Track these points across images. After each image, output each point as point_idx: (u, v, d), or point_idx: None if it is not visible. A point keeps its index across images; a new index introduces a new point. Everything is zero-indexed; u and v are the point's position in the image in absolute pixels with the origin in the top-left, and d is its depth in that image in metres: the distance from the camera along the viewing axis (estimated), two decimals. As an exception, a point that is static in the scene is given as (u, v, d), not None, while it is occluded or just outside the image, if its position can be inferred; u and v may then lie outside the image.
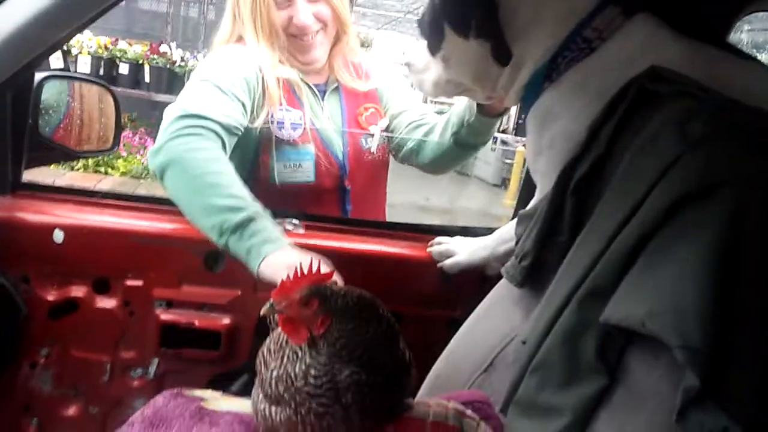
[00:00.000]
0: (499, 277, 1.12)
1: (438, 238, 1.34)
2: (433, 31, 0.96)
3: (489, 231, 1.34)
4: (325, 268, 0.85)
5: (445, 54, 0.96)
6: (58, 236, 1.22)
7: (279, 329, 0.79)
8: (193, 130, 1.14)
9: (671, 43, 0.83)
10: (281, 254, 1.05)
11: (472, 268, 1.27)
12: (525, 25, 0.88)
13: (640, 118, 0.79)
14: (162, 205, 1.30)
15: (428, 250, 1.32)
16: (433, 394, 1.00)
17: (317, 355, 0.69)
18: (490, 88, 0.97)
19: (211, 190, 1.09)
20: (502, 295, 1.10)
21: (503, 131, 9.96)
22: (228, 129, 1.20)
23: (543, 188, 0.98)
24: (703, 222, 0.61)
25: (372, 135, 1.40)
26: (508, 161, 9.03)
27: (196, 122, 1.15)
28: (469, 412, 0.77)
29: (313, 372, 0.68)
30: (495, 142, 9.62)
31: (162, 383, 1.30)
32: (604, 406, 0.70)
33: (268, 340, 0.80)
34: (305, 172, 1.32)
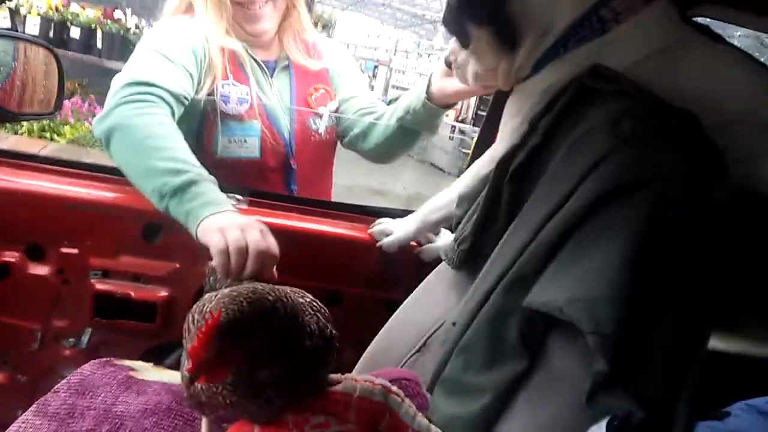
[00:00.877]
0: (437, 261, 1.15)
1: (379, 219, 1.35)
2: (458, 27, 0.96)
3: None
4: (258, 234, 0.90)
5: (473, 47, 0.95)
6: None
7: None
8: (140, 96, 1.13)
9: (674, 30, 0.83)
10: (220, 217, 1.01)
11: (408, 240, 1.29)
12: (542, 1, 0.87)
13: (578, 113, 0.82)
14: (103, 173, 1.28)
15: (369, 231, 1.33)
16: (367, 371, 1.02)
17: None
18: (511, 71, 0.97)
19: (154, 153, 1.07)
20: (438, 279, 1.12)
21: (461, 121, 10.07)
22: (176, 97, 1.19)
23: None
24: (624, 217, 0.65)
25: (320, 116, 1.40)
26: (464, 151, 9.14)
27: (144, 89, 1.14)
28: (394, 388, 0.78)
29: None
30: (453, 131, 9.73)
31: (95, 354, 1.27)
32: (523, 387, 0.74)
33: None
34: (250, 148, 1.31)
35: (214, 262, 0.95)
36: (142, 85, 1.14)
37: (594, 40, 0.83)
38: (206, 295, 0.80)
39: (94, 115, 5.11)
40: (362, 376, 0.81)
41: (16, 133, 5.01)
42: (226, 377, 0.66)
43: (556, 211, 0.72)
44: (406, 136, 1.40)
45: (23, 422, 0.88)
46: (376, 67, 13.50)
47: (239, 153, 1.31)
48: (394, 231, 1.31)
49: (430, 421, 0.81)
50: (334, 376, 0.81)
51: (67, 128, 5.21)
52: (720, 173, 0.68)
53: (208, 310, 0.63)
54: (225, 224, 0.97)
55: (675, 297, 0.62)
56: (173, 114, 1.18)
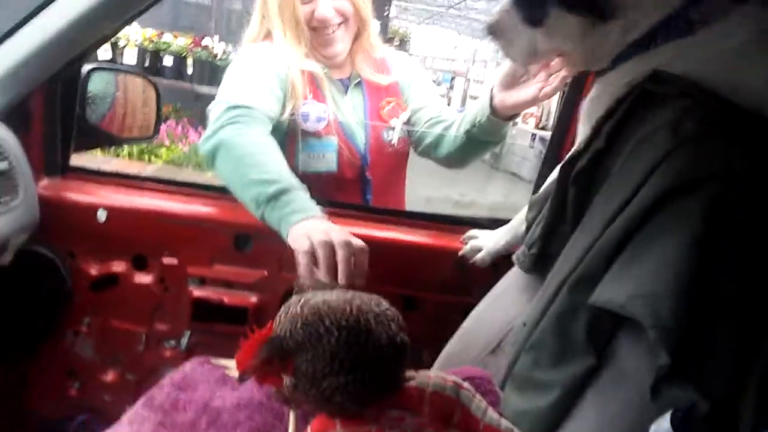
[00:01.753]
0: (511, 265, 1.18)
1: (469, 232, 1.38)
2: (536, 6, 0.92)
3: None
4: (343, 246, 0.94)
5: (550, 28, 0.91)
6: (102, 216, 1.32)
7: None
8: (240, 118, 1.25)
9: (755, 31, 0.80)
10: (308, 222, 1.08)
11: (501, 254, 1.31)
12: None
13: (640, 117, 0.83)
14: (198, 190, 1.40)
15: (461, 253, 1.36)
16: (443, 369, 1.07)
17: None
18: (590, 55, 0.93)
19: (252, 167, 1.17)
20: (511, 283, 1.15)
21: (542, 128, 9.87)
22: (269, 117, 1.30)
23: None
24: (686, 214, 0.66)
25: (393, 128, 1.46)
26: (546, 157, 8.92)
27: (242, 112, 1.26)
28: (466, 384, 0.82)
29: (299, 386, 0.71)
30: (534, 139, 9.56)
31: (192, 355, 1.38)
32: (591, 384, 0.76)
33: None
34: (328, 162, 1.39)
35: (299, 264, 1.02)
36: (240, 108, 1.26)
37: (681, 39, 0.82)
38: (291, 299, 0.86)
39: (186, 137, 5.43)
40: (435, 372, 0.85)
41: (117, 156, 5.40)
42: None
43: (618, 212, 0.74)
44: (476, 145, 1.44)
45: (134, 414, 0.97)
46: (453, 78, 13.47)
47: (318, 167, 1.39)
48: (484, 246, 1.33)
49: (501, 416, 0.84)
50: (408, 373, 0.86)
51: (163, 150, 5.56)
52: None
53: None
54: (312, 229, 1.05)
55: (737, 293, 0.62)
56: (268, 132, 1.29)
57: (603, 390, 0.74)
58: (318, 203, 1.37)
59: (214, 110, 1.28)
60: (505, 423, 0.79)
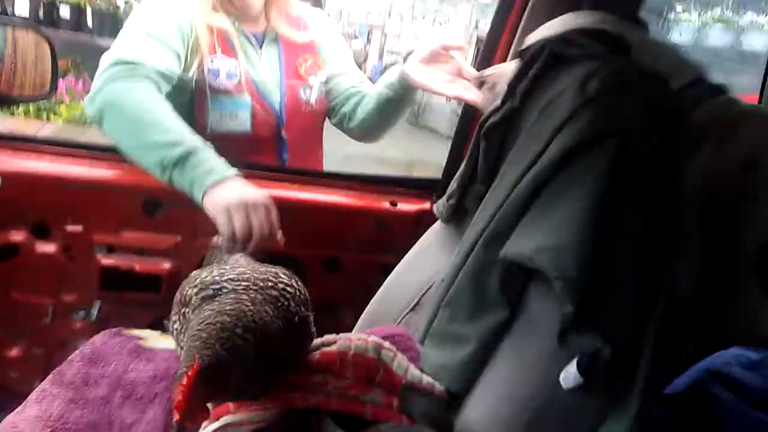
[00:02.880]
0: (429, 225, 1.20)
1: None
2: None
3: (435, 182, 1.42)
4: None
5: None
6: None
7: (195, 272, 0.83)
8: (127, 74, 1.16)
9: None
10: (224, 188, 1.05)
11: None
12: None
13: (550, 78, 0.86)
14: (100, 152, 1.32)
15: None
16: (365, 330, 1.08)
17: None
18: None
19: (148, 128, 1.10)
20: (430, 241, 1.17)
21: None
22: (162, 75, 1.22)
23: None
24: (590, 169, 0.69)
25: (311, 86, 1.43)
26: (462, 114, 9.06)
27: (130, 68, 1.17)
28: (386, 344, 0.84)
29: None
30: (450, 95, 9.63)
31: (105, 325, 1.32)
32: (505, 335, 0.80)
33: (183, 283, 0.82)
34: (241, 122, 1.34)
35: (222, 244, 1.01)
36: (128, 64, 1.17)
37: None
38: (195, 271, 0.83)
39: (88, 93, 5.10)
40: (356, 335, 0.86)
41: (12, 114, 5.01)
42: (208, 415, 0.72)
43: (529, 169, 0.76)
44: (388, 109, 1.42)
45: (42, 391, 0.93)
46: (369, 32, 13.31)
47: (231, 127, 1.34)
48: None
49: (422, 371, 0.87)
50: (329, 337, 0.86)
51: (63, 107, 5.22)
52: (682, 126, 0.72)
53: (183, 366, 0.63)
54: (231, 202, 1.02)
55: (637, 243, 0.66)
56: (160, 90, 1.21)
57: (517, 340, 0.78)
58: (232, 165, 1.33)
59: (100, 64, 1.19)
60: (426, 378, 0.82)
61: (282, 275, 0.78)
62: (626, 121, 0.70)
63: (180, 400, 0.60)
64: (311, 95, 1.43)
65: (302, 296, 0.78)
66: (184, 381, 0.61)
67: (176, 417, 0.62)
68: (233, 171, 1.09)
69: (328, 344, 0.84)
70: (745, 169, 0.72)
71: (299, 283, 0.80)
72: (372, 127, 1.50)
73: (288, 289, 0.76)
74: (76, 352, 0.97)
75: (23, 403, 0.90)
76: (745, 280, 0.71)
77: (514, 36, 1.20)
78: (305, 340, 0.80)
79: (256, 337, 0.66)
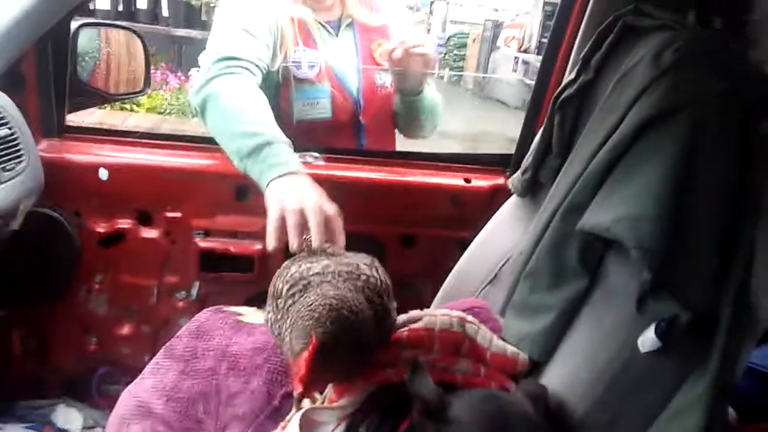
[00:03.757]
0: (503, 200, 1.23)
1: None
2: None
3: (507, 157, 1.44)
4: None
5: None
6: (103, 174, 1.34)
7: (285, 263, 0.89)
8: (228, 70, 1.25)
9: None
10: (286, 183, 1.08)
11: None
12: None
13: (625, 50, 0.87)
14: (195, 143, 1.42)
15: None
16: (444, 303, 1.13)
17: None
18: None
19: (235, 118, 1.17)
20: (505, 216, 1.20)
21: (525, 51, 9.73)
22: (257, 67, 1.30)
23: None
24: (664, 141, 0.71)
25: (386, 70, 1.47)
26: (529, 82, 8.85)
27: (231, 63, 1.25)
28: (470, 318, 0.88)
29: None
30: (516, 63, 9.42)
31: (205, 304, 1.43)
32: (585, 303, 0.83)
33: (275, 277, 0.88)
34: (322, 109, 1.40)
35: (269, 229, 1.06)
36: (229, 60, 1.25)
37: None
38: (285, 263, 0.90)
39: (166, 83, 5.26)
40: (439, 310, 0.91)
41: (99, 108, 5.28)
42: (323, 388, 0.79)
43: (605, 141, 0.78)
44: (406, 105, 1.49)
45: (155, 364, 1.02)
46: (432, 2, 13.11)
47: (313, 114, 1.41)
48: None
49: (504, 341, 0.91)
50: (414, 314, 0.90)
51: (144, 98, 5.45)
52: (762, 96, 0.72)
53: (296, 343, 0.71)
54: (287, 197, 1.06)
55: (713, 210, 0.68)
56: (256, 83, 1.29)
57: (596, 308, 0.81)
58: (315, 150, 1.40)
59: (203, 62, 1.29)
60: (510, 348, 0.86)
61: (363, 266, 0.83)
62: (701, 92, 0.71)
63: (303, 373, 0.67)
64: (386, 79, 1.47)
65: (384, 286, 0.82)
66: (305, 356, 0.67)
67: (298, 389, 0.70)
68: (301, 169, 1.13)
69: (414, 321, 0.88)
70: None
71: (381, 271, 0.84)
72: (405, 125, 1.56)
73: (371, 279, 0.81)
74: (183, 328, 1.05)
75: (140, 376, 1.00)
76: None
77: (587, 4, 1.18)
78: (389, 329, 0.85)
79: (358, 318, 0.72)
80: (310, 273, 0.80)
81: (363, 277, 0.80)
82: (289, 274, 0.82)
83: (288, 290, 0.80)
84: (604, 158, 0.77)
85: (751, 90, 0.71)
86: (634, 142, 0.74)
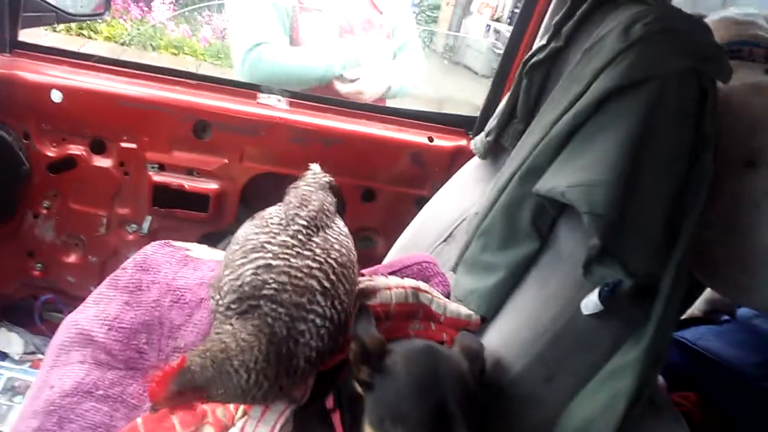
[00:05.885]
0: (464, 162, 1.24)
1: None
2: None
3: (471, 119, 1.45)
4: None
5: None
6: (56, 96, 1.29)
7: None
8: (263, 55, 1.47)
9: None
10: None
11: None
12: None
13: (596, 21, 0.88)
14: (155, 73, 1.37)
15: None
16: (396, 258, 1.14)
17: None
18: None
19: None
20: (465, 177, 1.22)
21: (497, 20, 9.66)
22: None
23: None
24: (624, 112, 0.73)
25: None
26: (499, 51, 8.80)
27: (262, 47, 1.47)
28: (423, 286, 0.88)
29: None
30: (488, 31, 9.35)
31: (155, 239, 1.41)
32: (534, 265, 0.85)
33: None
34: None
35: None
36: (260, 45, 1.48)
37: None
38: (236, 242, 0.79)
39: (127, 12, 5.04)
40: (392, 279, 0.90)
41: (54, 30, 5.03)
42: (193, 408, 0.75)
43: (568, 109, 0.79)
44: None
45: (99, 294, 1.01)
46: None
47: None
48: None
49: (448, 296, 0.92)
50: (367, 284, 0.87)
51: (103, 26, 5.21)
52: (721, 70, 0.74)
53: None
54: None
55: (664, 184, 0.70)
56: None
57: (543, 270, 0.84)
58: (281, 93, 1.41)
59: (236, 56, 1.50)
60: (464, 311, 0.88)
61: (319, 296, 0.71)
62: (665, 66, 0.73)
63: (153, 387, 0.64)
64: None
65: (337, 318, 0.72)
66: (165, 371, 0.64)
67: (149, 402, 0.66)
68: None
69: (368, 296, 0.85)
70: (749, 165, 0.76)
71: (339, 302, 0.72)
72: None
73: (317, 321, 0.70)
74: (129, 260, 1.04)
75: (82, 304, 0.99)
76: None
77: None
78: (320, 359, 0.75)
79: (249, 374, 0.66)
80: (261, 293, 0.70)
81: (311, 317, 0.70)
82: (240, 280, 0.72)
83: (232, 303, 0.71)
84: (565, 125, 0.78)
85: (710, 68, 0.73)
86: (595, 112, 0.76)
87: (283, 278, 0.70)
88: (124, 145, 1.36)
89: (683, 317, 1.08)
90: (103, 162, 1.38)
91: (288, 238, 0.74)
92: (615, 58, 0.76)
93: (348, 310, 0.74)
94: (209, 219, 1.41)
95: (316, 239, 0.75)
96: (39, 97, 1.29)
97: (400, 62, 1.68)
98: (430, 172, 1.44)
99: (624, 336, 0.74)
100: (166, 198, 1.40)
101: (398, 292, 0.85)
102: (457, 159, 1.39)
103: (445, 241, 1.16)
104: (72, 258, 1.47)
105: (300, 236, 0.74)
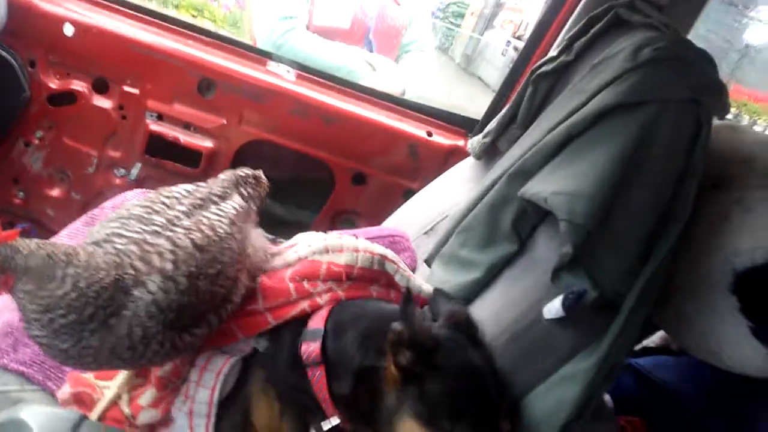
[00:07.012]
0: (458, 161, 1.25)
1: None
2: None
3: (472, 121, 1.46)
4: None
5: None
6: (68, 30, 1.29)
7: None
8: (293, 25, 1.59)
9: None
10: None
11: None
12: None
13: (609, 40, 0.89)
14: (171, 24, 1.37)
15: None
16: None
17: None
18: None
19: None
20: (456, 175, 1.23)
21: (518, 38, 9.68)
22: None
23: None
24: (621, 130, 0.74)
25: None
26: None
27: (290, 19, 1.59)
28: (391, 256, 0.87)
29: None
30: (507, 46, 9.35)
31: (141, 187, 1.42)
32: (508, 266, 0.86)
33: None
34: (342, 18, 1.69)
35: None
36: (289, 19, 1.60)
37: None
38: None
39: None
40: (362, 242, 0.88)
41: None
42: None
43: (566, 119, 0.80)
44: None
45: (73, 229, 1.02)
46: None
47: (331, 21, 1.69)
48: None
49: (414, 271, 0.93)
50: (336, 242, 0.86)
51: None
52: (720, 106, 0.76)
53: None
54: None
55: (645, 207, 0.71)
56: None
57: (515, 272, 0.85)
58: (290, 64, 1.42)
59: (267, 25, 1.60)
60: (426, 287, 0.89)
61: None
62: (666, 92, 0.74)
63: None
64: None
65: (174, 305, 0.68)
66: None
67: None
68: None
69: (336, 250, 0.85)
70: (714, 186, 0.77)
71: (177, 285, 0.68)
72: None
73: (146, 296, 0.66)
74: (108, 201, 1.06)
75: (56, 236, 1.00)
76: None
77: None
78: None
79: (71, 291, 0.62)
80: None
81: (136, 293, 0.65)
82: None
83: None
84: (560, 134, 0.79)
85: (710, 101, 0.74)
86: (592, 126, 0.77)
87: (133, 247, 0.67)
88: (126, 89, 1.36)
89: (640, 346, 1.09)
90: (103, 102, 1.38)
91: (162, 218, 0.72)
92: (620, 76, 0.77)
93: (203, 296, 0.70)
94: (197, 175, 1.41)
95: (186, 221, 0.73)
96: (52, 28, 1.29)
97: (408, 63, 1.77)
98: (423, 167, 1.45)
99: (580, 346, 0.74)
100: (160, 148, 1.40)
101: (364, 257, 0.85)
102: (452, 158, 1.40)
103: (426, 233, 1.17)
104: (55, 192, 1.46)
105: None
